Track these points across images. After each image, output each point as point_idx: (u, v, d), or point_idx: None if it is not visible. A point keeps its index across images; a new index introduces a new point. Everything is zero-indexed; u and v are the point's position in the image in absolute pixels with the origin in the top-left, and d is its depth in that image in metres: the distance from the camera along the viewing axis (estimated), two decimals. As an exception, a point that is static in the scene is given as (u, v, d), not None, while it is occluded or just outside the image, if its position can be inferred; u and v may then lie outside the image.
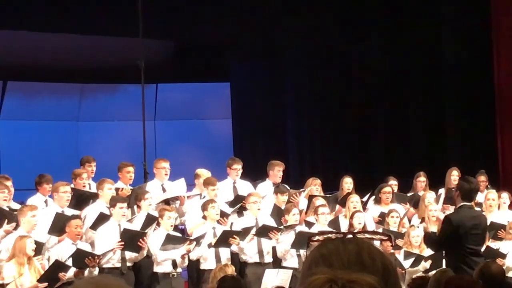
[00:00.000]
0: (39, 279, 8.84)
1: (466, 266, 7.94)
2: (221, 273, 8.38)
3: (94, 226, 9.94)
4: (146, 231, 9.99)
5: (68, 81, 17.07)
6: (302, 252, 10.35)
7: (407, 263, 10.28)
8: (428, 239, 9.23)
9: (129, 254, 9.81)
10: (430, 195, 11.65)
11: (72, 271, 9.24)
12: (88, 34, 15.35)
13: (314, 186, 11.77)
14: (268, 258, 10.57)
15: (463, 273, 7.38)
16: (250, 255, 10.49)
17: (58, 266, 9.09)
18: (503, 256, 10.70)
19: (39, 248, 9.23)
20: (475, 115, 15.73)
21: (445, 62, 15.99)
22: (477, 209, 10.72)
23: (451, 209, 11.04)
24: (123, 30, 14.51)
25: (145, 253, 9.88)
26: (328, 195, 11.81)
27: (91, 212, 10.18)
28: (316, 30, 15.82)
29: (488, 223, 11.14)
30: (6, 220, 9.42)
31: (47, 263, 9.42)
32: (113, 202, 9.92)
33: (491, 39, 15.50)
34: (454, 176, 11.98)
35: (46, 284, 8.85)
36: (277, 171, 11.64)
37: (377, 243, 2.00)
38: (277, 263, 10.57)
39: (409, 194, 12.30)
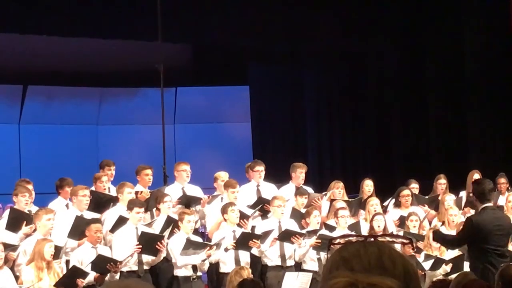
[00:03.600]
0: (56, 284, 8.85)
1: (492, 267, 7.94)
2: (237, 277, 8.36)
3: (113, 229, 9.96)
4: (164, 233, 10.00)
5: (88, 85, 17.14)
6: (323, 255, 10.33)
7: (426, 265, 10.24)
8: (439, 236, 9.22)
9: (146, 257, 9.82)
10: (449, 198, 11.60)
11: (92, 275, 9.26)
12: (108, 38, 15.41)
13: (337, 189, 11.74)
14: (290, 262, 10.55)
15: (488, 273, 7.38)
16: (272, 258, 10.48)
17: (75, 272, 9.09)
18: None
19: (57, 251, 9.25)
20: (496, 118, 15.67)
21: (467, 64, 15.93)
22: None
23: (472, 212, 11.00)
24: (142, 34, 14.56)
25: (162, 256, 9.89)
26: (350, 199, 11.78)
27: (111, 215, 10.21)
28: (335, 34, 15.81)
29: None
30: (25, 223, 9.46)
31: (65, 266, 9.44)
32: (130, 206, 9.93)
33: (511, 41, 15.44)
34: (475, 178, 11.91)
35: (63, 288, 8.87)
36: (299, 173, 11.63)
37: (398, 247, 1.99)
38: (298, 266, 10.56)
39: (427, 197, 12.25)
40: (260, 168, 11.49)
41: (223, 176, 11.50)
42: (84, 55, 16.20)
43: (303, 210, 11.00)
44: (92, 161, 14.70)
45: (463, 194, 12.11)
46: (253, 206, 11.04)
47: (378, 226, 10.61)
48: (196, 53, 17.81)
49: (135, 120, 17.45)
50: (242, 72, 17.36)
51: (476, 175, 12.04)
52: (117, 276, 9.44)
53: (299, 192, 11.29)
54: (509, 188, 12.64)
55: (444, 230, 10.97)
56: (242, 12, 15.12)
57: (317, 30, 15.74)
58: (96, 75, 16.70)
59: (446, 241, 9.36)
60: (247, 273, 8.76)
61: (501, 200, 12.29)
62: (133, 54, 16.35)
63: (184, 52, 17.62)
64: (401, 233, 10.60)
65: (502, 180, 12.63)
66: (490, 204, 8.57)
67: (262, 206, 10.93)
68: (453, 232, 10.78)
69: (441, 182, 12.40)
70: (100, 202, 10.39)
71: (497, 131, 15.71)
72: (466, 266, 9.35)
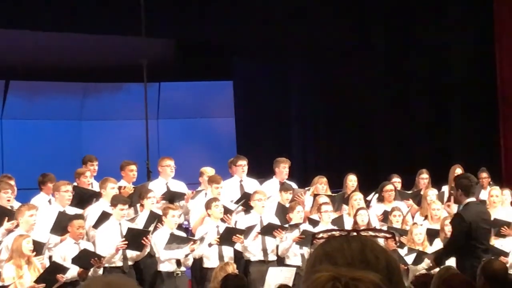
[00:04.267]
0: (36, 280, 8.82)
1: (477, 263, 7.91)
2: (222, 272, 8.37)
3: (96, 225, 9.94)
4: (149, 229, 10.00)
5: (71, 80, 17.06)
6: (306, 250, 10.36)
7: (409, 260, 10.29)
8: (438, 255, 9.05)
9: (130, 253, 9.82)
10: (432, 192, 11.67)
11: (75, 271, 9.25)
12: (91, 33, 15.35)
13: (320, 184, 11.77)
14: (272, 256, 10.57)
15: (475, 270, 7.37)
16: (254, 253, 10.50)
17: (55, 268, 9.08)
18: (506, 254, 10.69)
19: (40, 247, 9.22)
20: (478, 113, 15.75)
21: (449, 60, 16.02)
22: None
23: (453, 206, 11.05)
24: (126, 29, 14.51)
25: (147, 251, 9.89)
26: (334, 194, 11.82)
27: (94, 211, 10.18)
28: (319, 28, 15.81)
29: (492, 220, 11.17)
30: (7, 218, 9.42)
31: (48, 262, 9.42)
32: (114, 202, 9.92)
33: (494, 38, 15.52)
34: (457, 173, 11.97)
35: (43, 285, 8.83)
36: (282, 168, 11.65)
37: (381, 241, 2.00)
38: (281, 261, 10.58)
39: (410, 192, 12.31)
40: (243, 163, 11.51)
41: (209, 171, 11.51)
42: (67, 50, 16.13)
43: (288, 205, 11.03)
44: (75, 156, 14.61)
45: (445, 188, 12.17)
46: (237, 201, 11.06)
47: (362, 221, 10.66)
48: (180, 48, 17.77)
49: (118, 115, 17.39)
50: (226, 67, 17.34)
51: (458, 170, 12.09)
52: (101, 271, 9.44)
53: (284, 187, 11.32)
54: (491, 182, 12.71)
55: (427, 224, 11.02)
56: (226, 7, 15.09)
57: (302, 24, 15.74)
58: (79, 70, 16.62)
59: (445, 251, 9.19)
60: (232, 269, 8.77)
61: (483, 195, 12.36)
62: (116, 49, 16.30)
63: (168, 47, 17.58)
64: (384, 228, 10.65)
65: (484, 175, 12.69)
66: (474, 199, 8.59)
67: (246, 201, 10.95)
68: (436, 226, 10.84)
69: (424, 177, 12.46)
70: (83, 198, 10.36)
71: (478, 127, 15.79)
72: (448, 260, 9.36)
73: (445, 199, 11.89)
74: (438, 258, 9.06)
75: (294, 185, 11.72)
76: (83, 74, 16.77)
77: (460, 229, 8.43)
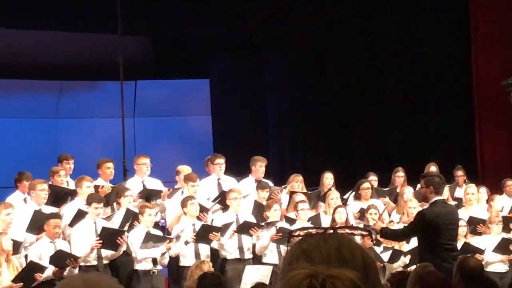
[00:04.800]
0: (13, 279, 8.78)
1: (442, 261, 7.96)
2: (198, 271, 8.35)
3: (72, 224, 9.90)
4: (125, 227, 9.97)
5: (46, 78, 16.98)
6: (283, 248, 10.36)
7: (385, 257, 10.33)
8: (386, 232, 9.16)
9: (105, 252, 9.78)
10: (408, 190, 11.71)
11: (51, 270, 9.20)
12: (67, 31, 15.28)
13: (296, 182, 11.77)
14: (249, 254, 10.57)
15: (439, 268, 7.39)
16: (230, 251, 10.49)
17: (33, 267, 9.04)
18: (481, 251, 10.77)
19: (17, 246, 9.17)
20: (454, 111, 15.84)
21: (425, 59, 16.10)
22: (452, 203, 10.82)
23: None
24: (101, 27, 14.45)
25: (122, 250, 9.86)
26: (309, 191, 11.83)
27: (69, 209, 10.14)
28: (295, 28, 15.83)
29: (467, 218, 11.25)
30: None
31: (24, 261, 9.37)
32: (89, 201, 9.88)
33: (470, 38, 15.62)
34: (432, 171, 12.02)
35: (21, 284, 8.79)
36: (259, 166, 11.64)
37: (357, 239, 2.01)
38: (257, 259, 10.58)
39: (386, 189, 12.35)
40: (221, 161, 11.50)
41: (185, 169, 11.49)
42: (43, 48, 16.06)
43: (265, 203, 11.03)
44: (51, 155, 14.53)
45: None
46: (214, 200, 11.05)
47: (340, 218, 10.67)
48: (156, 46, 17.74)
49: (94, 114, 17.33)
50: (202, 65, 17.33)
51: (433, 168, 12.15)
52: (76, 271, 9.40)
53: (261, 185, 11.31)
54: (466, 180, 12.79)
55: (403, 221, 11.06)
56: (203, 5, 15.07)
57: (279, 23, 15.75)
58: (55, 68, 16.55)
59: (394, 234, 9.35)
60: (208, 267, 8.75)
61: (458, 193, 12.44)
62: (92, 47, 16.24)
63: (144, 45, 17.54)
64: (361, 226, 10.67)
65: (460, 173, 12.78)
66: (441, 197, 8.62)
67: (223, 199, 10.95)
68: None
69: (399, 175, 12.51)
70: (58, 196, 10.32)
71: (454, 125, 15.87)
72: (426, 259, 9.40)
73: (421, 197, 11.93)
74: (386, 233, 9.15)
75: (270, 183, 11.72)
76: (59, 72, 16.69)
77: (417, 224, 8.47)
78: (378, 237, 10.29)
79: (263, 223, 10.51)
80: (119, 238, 9.62)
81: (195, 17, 15.22)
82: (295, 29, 15.84)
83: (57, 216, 9.71)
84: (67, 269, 9.27)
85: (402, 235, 9.15)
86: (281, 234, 10.21)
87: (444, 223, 8.35)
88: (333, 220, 10.74)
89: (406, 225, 9.96)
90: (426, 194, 8.58)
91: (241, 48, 16.92)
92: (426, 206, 10.63)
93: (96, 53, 15.91)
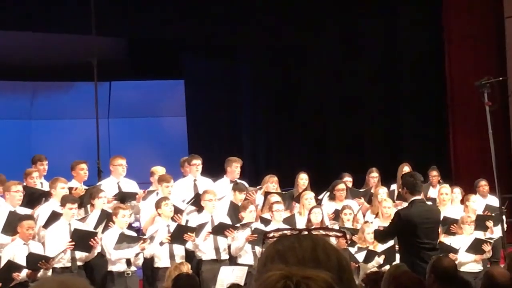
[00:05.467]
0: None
1: (420, 261, 7.98)
2: (177, 272, 8.33)
3: (46, 225, 9.85)
4: (97, 229, 9.93)
5: (20, 79, 16.87)
6: (258, 249, 10.36)
7: (360, 257, 10.37)
8: (377, 234, 9.37)
9: (79, 254, 9.74)
10: (382, 191, 11.76)
11: (25, 272, 9.16)
12: (41, 31, 15.19)
13: (271, 183, 11.77)
14: (225, 255, 10.57)
15: (418, 268, 7.43)
16: (206, 252, 10.48)
17: (11, 266, 9.00)
18: (455, 251, 10.84)
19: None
20: (427, 112, 15.93)
21: (399, 60, 16.17)
22: (429, 203, 10.87)
23: (404, 205, 11.15)
24: (76, 28, 14.37)
25: (96, 252, 9.82)
26: (284, 192, 11.84)
27: (44, 211, 10.09)
28: (269, 27, 15.84)
29: (441, 218, 11.31)
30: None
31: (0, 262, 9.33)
32: (63, 202, 9.83)
33: (443, 38, 15.71)
34: (405, 171, 12.07)
35: (-1, 284, 8.77)
36: (234, 167, 11.64)
37: (332, 240, 2.02)
38: (233, 260, 10.58)
39: (361, 190, 12.39)
40: (197, 162, 11.49)
41: (159, 171, 11.47)
42: (16, 49, 15.94)
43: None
44: (25, 156, 14.44)
45: (395, 187, 12.27)
46: (189, 201, 11.04)
47: (316, 219, 10.68)
48: (131, 47, 17.68)
49: (68, 115, 17.25)
50: (177, 66, 17.29)
51: (406, 168, 12.21)
52: (49, 273, 9.35)
53: (238, 187, 11.28)
54: (441, 181, 12.86)
55: (378, 222, 11.10)
56: (177, 6, 15.04)
57: (253, 24, 15.75)
58: (29, 68, 16.44)
59: (376, 235, 9.51)
60: (187, 268, 8.75)
61: (432, 193, 12.50)
62: (66, 47, 16.15)
63: (119, 46, 17.47)
64: (335, 226, 10.69)
65: (434, 173, 12.85)
66: (419, 197, 8.65)
67: (198, 201, 10.93)
68: (387, 224, 10.92)
69: (374, 176, 12.56)
70: (32, 197, 10.26)
71: (428, 125, 15.96)
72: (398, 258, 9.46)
73: (396, 197, 11.99)
74: (377, 235, 9.30)
75: (245, 184, 11.72)
76: (33, 73, 16.60)
77: (394, 224, 8.52)
78: (353, 238, 10.36)
79: (238, 225, 10.50)
80: (92, 239, 9.58)
81: (170, 17, 15.18)
82: (270, 29, 15.85)
83: (30, 217, 9.65)
84: (41, 271, 9.22)
85: (380, 236, 9.23)
86: (256, 235, 10.21)
87: (420, 222, 8.38)
88: (309, 220, 10.76)
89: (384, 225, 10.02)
90: (403, 195, 8.71)
91: (217, 49, 16.90)
92: (401, 206, 10.72)
93: (70, 54, 15.82)
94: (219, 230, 10.34)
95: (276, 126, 16.83)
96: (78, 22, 13.81)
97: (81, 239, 9.55)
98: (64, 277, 1.80)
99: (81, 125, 16.29)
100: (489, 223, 11.51)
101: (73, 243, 9.50)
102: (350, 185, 12.29)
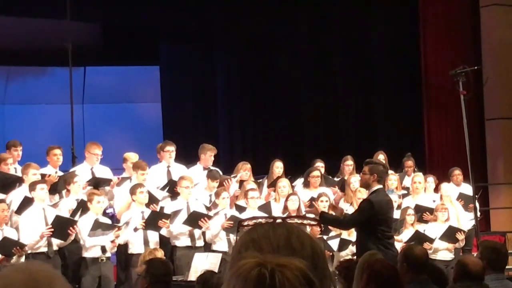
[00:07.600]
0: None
1: (384, 247, 8.07)
2: (150, 257, 8.33)
3: (19, 211, 9.80)
4: (76, 217, 9.90)
5: (-7, 63, 16.75)
6: (232, 236, 10.37)
7: (334, 246, 10.41)
8: (327, 219, 9.04)
9: (56, 240, 9.70)
10: (354, 179, 11.70)
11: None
12: (15, 15, 15.07)
13: (244, 171, 11.76)
14: (200, 242, 10.58)
15: (384, 254, 7.46)
16: (181, 238, 10.48)
17: None
18: (431, 240, 10.91)
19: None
20: (402, 100, 16.00)
21: (374, 49, 16.21)
22: (400, 192, 10.96)
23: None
24: (50, 12, 14.26)
25: (71, 239, 9.79)
26: (258, 180, 11.84)
27: (16, 196, 10.03)
28: (245, 14, 15.82)
29: (414, 206, 11.41)
30: None
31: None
32: (32, 186, 9.77)
33: (419, 24, 15.76)
34: (380, 159, 12.11)
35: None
36: (209, 155, 11.62)
37: (307, 228, 2.02)
38: (207, 246, 10.59)
39: (337, 179, 12.40)
40: (171, 149, 11.46)
41: (132, 157, 11.43)
42: (-11, 33, 15.81)
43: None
44: (-2, 141, 14.38)
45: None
46: (163, 188, 11.02)
47: (293, 205, 10.69)
48: (106, 32, 17.57)
49: (42, 100, 17.14)
50: (152, 52, 17.22)
51: (381, 156, 12.24)
52: (23, 259, 9.31)
53: (211, 175, 11.26)
54: (415, 169, 12.92)
55: (352, 210, 11.13)
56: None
57: (229, 11, 15.72)
58: (2, 53, 16.30)
59: (338, 221, 9.38)
60: (161, 254, 8.76)
61: (406, 181, 12.57)
62: (41, 32, 16.03)
63: (94, 31, 17.36)
64: (311, 215, 10.71)
65: (409, 163, 12.90)
66: (381, 186, 8.75)
67: (172, 187, 10.91)
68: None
69: (348, 164, 12.56)
70: (5, 183, 10.20)
71: (403, 113, 16.03)
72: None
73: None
74: (327, 219, 9.07)
75: (219, 171, 11.71)
76: (6, 57, 16.45)
77: (365, 212, 8.45)
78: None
79: (211, 213, 10.51)
80: (71, 227, 9.56)
81: (146, 3, 15.12)
82: (244, 16, 15.83)
83: (3, 201, 9.61)
84: (15, 257, 9.18)
85: (347, 223, 9.14)
86: (232, 222, 10.22)
87: (387, 211, 8.48)
88: (285, 207, 10.77)
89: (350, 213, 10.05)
90: (368, 181, 8.56)
91: (192, 35, 16.85)
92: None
93: (45, 38, 15.71)
94: (193, 219, 10.33)
95: (251, 113, 16.83)
96: (53, 6, 13.71)
97: (60, 226, 9.53)
98: (31, 265, 1.78)
99: (55, 110, 16.19)
100: (459, 235, 11.23)
101: (52, 229, 9.46)
102: (322, 171, 12.25)
